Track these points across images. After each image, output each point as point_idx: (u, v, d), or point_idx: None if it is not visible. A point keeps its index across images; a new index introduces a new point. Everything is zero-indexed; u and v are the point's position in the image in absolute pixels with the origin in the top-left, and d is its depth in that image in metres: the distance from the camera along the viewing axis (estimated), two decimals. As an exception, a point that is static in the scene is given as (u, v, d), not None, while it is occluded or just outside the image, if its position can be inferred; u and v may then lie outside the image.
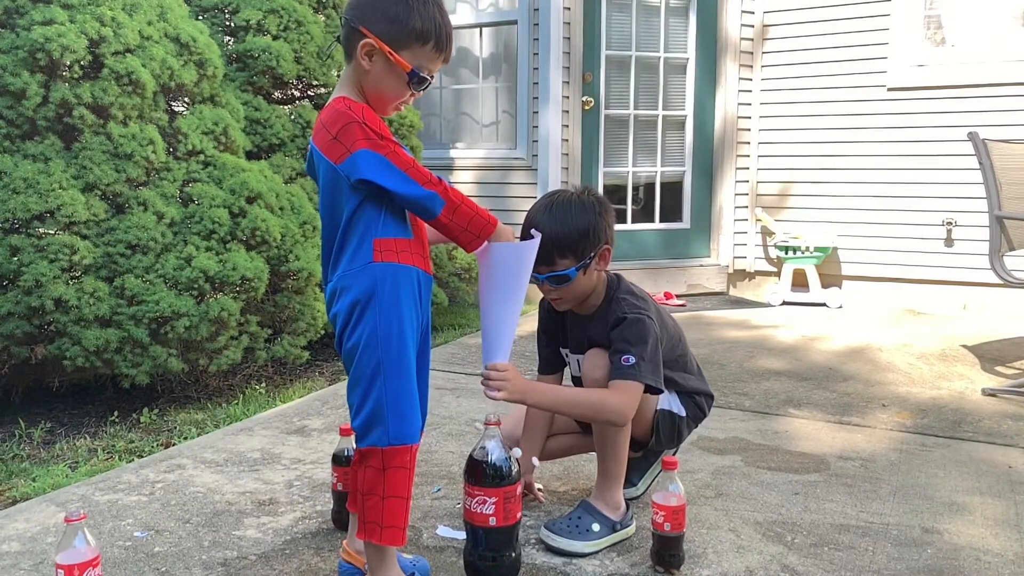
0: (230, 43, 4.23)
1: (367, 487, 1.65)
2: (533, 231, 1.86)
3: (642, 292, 2.09)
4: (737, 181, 5.79)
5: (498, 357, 1.79)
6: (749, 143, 5.76)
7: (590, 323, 2.07)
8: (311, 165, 1.71)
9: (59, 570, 1.55)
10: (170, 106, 3.59)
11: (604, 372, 1.97)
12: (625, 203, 5.79)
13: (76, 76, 3.17)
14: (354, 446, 1.74)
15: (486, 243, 1.73)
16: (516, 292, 1.76)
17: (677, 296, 5.56)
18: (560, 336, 2.20)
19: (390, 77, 1.66)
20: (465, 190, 5.83)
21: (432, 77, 1.70)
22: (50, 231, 3.07)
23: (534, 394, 1.92)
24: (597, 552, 1.97)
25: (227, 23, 4.27)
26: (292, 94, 4.48)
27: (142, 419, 3.18)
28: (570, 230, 1.94)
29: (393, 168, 1.58)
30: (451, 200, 1.62)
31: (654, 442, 2.16)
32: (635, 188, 5.84)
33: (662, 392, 2.04)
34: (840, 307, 5.31)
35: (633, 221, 5.81)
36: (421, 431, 1.72)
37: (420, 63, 1.66)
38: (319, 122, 1.63)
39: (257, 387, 3.59)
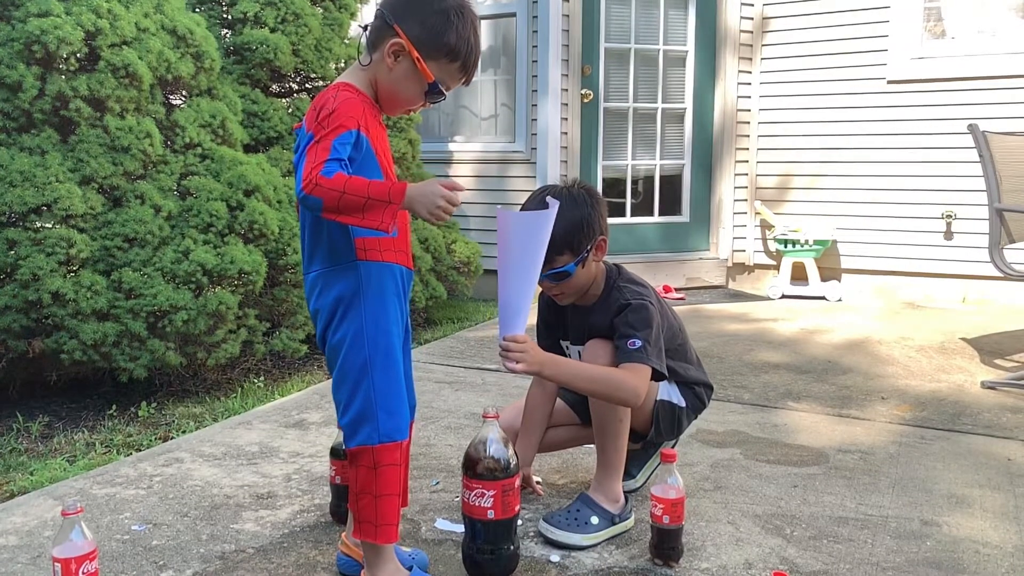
0: (227, 35, 4.21)
1: (360, 486, 1.65)
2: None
3: (642, 280, 2.09)
4: (736, 174, 5.78)
5: (516, 328, 1.78)
6: (748, 136, 5.74)
7: (591, 313, 2.07)
8: (297, 148, 1.69)
9: (56, 564, 1.55)
10: (167, 99, 3.57)
11: (606, 362, 1.97)
12: (624, 196, 5.78)
13: (72, 68, 3.15)
14: None
15: (503, 213, 1.70)
16: (533, 263, 1.75)
17: (676, 289, 5.55)
18: (560, 328, 2.19)
19: (410, 82, 1.64)
20: (464, 183, 5.80)
21: (447, 93, 1.68)
22: (47, 224, 3.06)
23: (551, 366, 1.90)
24: (596, 545, 1.97)
25: (224, 15, 4.25)
26: (290, 87, 4.46)
27: (140, 413, 3.17)
28: (564, 225, 1.92)
29: (302, 159, 1.50)
30: (329, 197, 1.46)
31: (654, 433, 2.15)
32: (634, 181, 5.83)
33: (666, 377, 2.04)
34: (839, 300, 5.30)
35: (632, 214, 5.80)
36: (410, 427, 1.71)
37: (443, 77, 1.65)
38: (312, 105, 1.62)
39: (255, 381, 3.58)
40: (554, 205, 1.77)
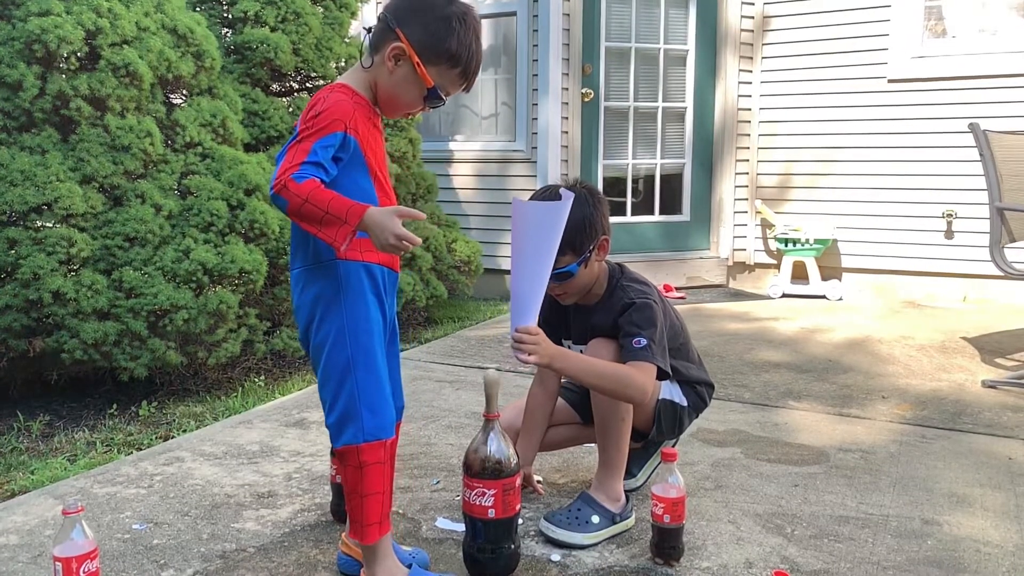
0: (228, 35, 4.21)
1: (349, 487, 1.66)
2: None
3: (645, 279, 2.10)
4: (737, 173, 5.78)
5: (528, 320, 1.78)
6: (749, 135, 5.74)
7: (594, 313, 2.07)
8: None
9: (57, 563, 1.55)
10: (168, 98, 3.57)
11: (609, 361, 1.96)
12: (625, 196, 5.77)
13: (73, 68, 3.15)
14: None
15: (519, 203, 1.70)
16: (546, 255, 1.74)
17: (677, 288, 5.55)
18: (563, 327, 2.19)
19: (410, 86, 1.65)
20: (464, 182, 5.83)
21: (447, 98, 1.68)
22: (48, 223, 3.06)
23: (562, 359, 1.89)
24: (597, 544, 1.97)
25: (224, 14, 4.25)
26: (290, 86, 4.46)
27: (141, 412, 3.17)
28: (566, 225, 1.93)
29: (281, 157, 1.52)
30: (292, 202, 1.47)
31: (655, 432, 2.15)
32: (635, 180, 5.83)
33: (670, 377, 2.04)
34: (840, 299, 5.30)
35: (633, 213, 5.79)
36: (397, 426, 1.72)
37: (442, 83, 1.65)
38: (307, 104, 1.63)
39: (256, 380, 3.58)
40: (568, 197, 1.76)
